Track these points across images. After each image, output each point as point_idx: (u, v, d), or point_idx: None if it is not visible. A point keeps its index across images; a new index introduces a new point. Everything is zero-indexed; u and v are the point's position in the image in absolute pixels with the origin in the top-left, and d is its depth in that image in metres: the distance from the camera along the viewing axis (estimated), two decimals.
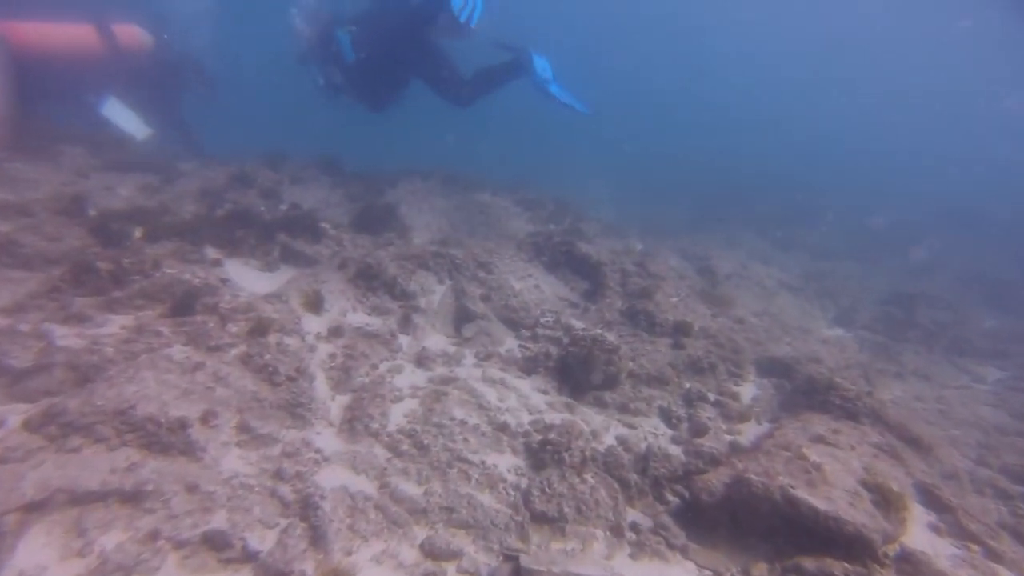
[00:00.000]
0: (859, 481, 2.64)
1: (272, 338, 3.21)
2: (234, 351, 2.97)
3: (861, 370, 4.65)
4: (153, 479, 1.96)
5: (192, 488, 2.09)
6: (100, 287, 3.20)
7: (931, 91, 36.27)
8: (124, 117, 6.50)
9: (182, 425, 2.27)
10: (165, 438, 2.20)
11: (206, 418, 2.46)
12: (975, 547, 2.83)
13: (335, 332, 3.79)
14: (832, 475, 2.63)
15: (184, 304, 3.10)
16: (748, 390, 4.17)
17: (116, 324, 2.90)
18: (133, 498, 1.85)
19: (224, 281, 3.73)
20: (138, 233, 4.02)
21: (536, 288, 4.83)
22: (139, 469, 1.99)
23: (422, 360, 3.84)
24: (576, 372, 3.87)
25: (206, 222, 4.42)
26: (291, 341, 3.31)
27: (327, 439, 2.90)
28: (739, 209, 12.07)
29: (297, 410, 2.94)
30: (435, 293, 4.58)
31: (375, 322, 4.08)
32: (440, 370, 3.78)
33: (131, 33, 6.76)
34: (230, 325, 3.12)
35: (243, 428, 2.63)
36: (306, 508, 2.39)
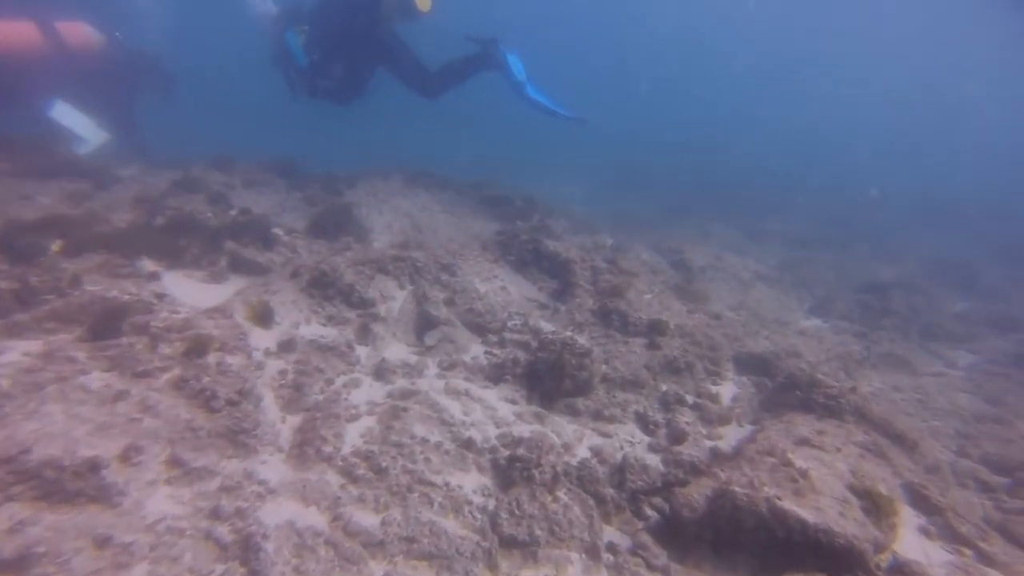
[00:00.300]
0: (848, 487, 2.48)
1: (212, 358, 2.93)
2: (166, 376, 2.68)
3: (840, 363, 4.53)
4: (47, 538, 1.68)
5: (103, 542, 1.81)
6: (2, 309, 2.86)
7: (911, 81, 36.86)
8: (75, 121, 6.11)
9: (93, 467, 1.99)
10: (70, 485, 1.91)
11: (127, 455, 2.18)
12: (967, 551, 2.69)
13: (286, 346, 3.51)
14: (820, 482, 2.46)
15: (106, 325, 2.78)
16: (727, 389, 4.00)
17: (17, 351, 2.57)
18: (15, 566, 1.57)
19: (160, 296, 3.42)
20: (55, 246, 3.67)
21: (503, 290, 4.60)
22: (27, 528, 1.70)
23: (381, 372, 3.59)
24: (546, 379, 3.65)
25: (143, 231, 4.09)
26: (234, 360, 3.03)
27: (274, 468, 2.63)
28: (714, 201, 12.01)
29: (239, 437, 2.66)
30: (395, 299, 4.33)
31: (330, 333, 3.81)
32: (400, 382, 3.53)
33: (78, 31, 6.33)
34: (162, 346, 2.83)
35: (174, 462, 2.35)
36: (247, 551, 2.13)
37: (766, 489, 2.39)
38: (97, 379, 2.46)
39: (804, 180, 15.38)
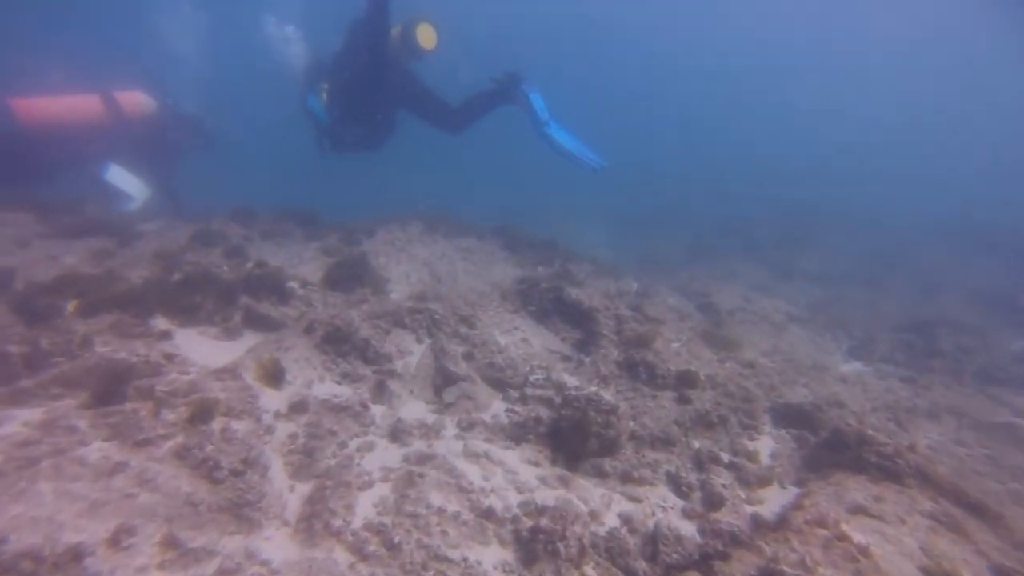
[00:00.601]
0: (921, 569, 2.19)
1: (217, 424, 2.79)
2: (168, 444, 2.54)
3: (890, 413, 4.20)
4: None
5: None
6: (9, 375, 2.78)
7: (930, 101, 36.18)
8: (126, 182, 6.64)
9: (76, 556, 1.83)
10: None
11: (117, 537, 2.02)
12: None
13: (297, 408, 3.37)
14: (885, 562, 2.18)
15: (111, 389, 2.68)
16: (765, 445, 3.72)
17: (17, 421, 2.47)
18: None
19: (171, 357, 3.32)
20: (71, 307, 3.62)
21: (524, 342, 4.42)
22: None
23: (397, 434, 3.41)
24: (570, 438, 3.43)
25: (158, 288, 4.03)
26: (241, 425, 2.88)
27: (278, 545, 2.44)
28: (738, 238, 11.76)
29: (243, 511, 2.49)
30: (413, 354, 4.17)
31: (344, 392, 3.66)
32: (417, 445, 3.35)
33: (135, 100, 6.90)
34: (166, 412, 2.70)
35: (169, 543, 2.18)
36: None
37: (821, 571, 2.12)
38: (96, 450, 2.33)
39: (824, 211, 15.00)
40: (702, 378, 4.01)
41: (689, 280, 7.57)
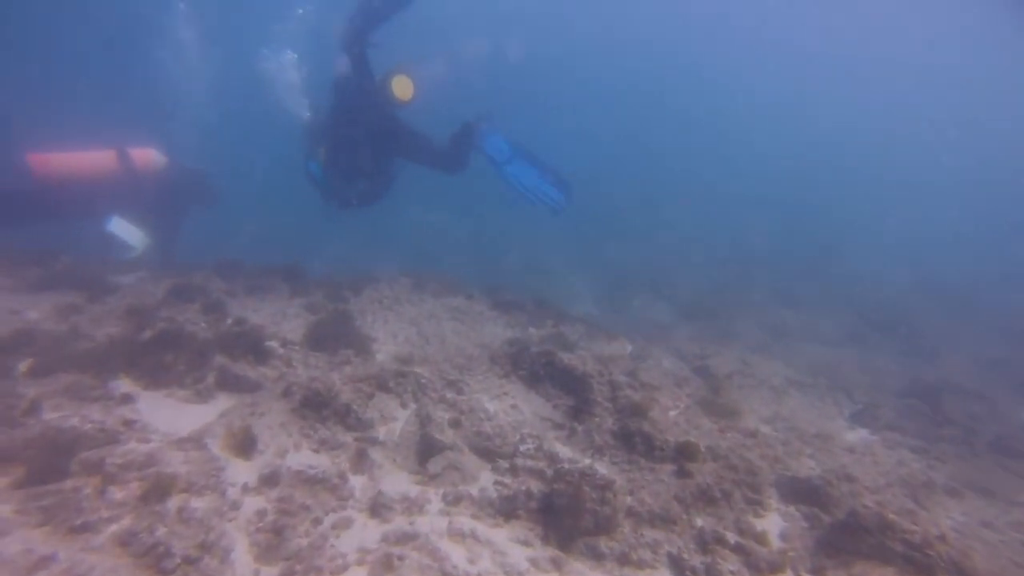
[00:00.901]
0: None
1: (174, 502, 2.51)
2: (111, 529, 2.26)
3: (906, 488, 3.94)
4: None
5: None
6: None
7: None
8: (128, 233, 6.85)
9: None
10: None
11: None
12: None
13: (268, 480, 3.09)
14: None
15: (51, 464, 2.40)
16: (774, 523, 3.46)
17: None
18: None
19: (130, 423, 3.06)
20: (23, 367, 3.36)
21: (514, 408, 4.19)
22: None
23: (377, 508, 3.13)
24: (564, 515, 3.16)
25: (124, 347, 3.79)
26: (202, 503, 2.60)
27: None
28: (728, 292, 11.62)
29: None
30: (397, 420, 3.92)
31: (322, 462, 3.38)
32: (398, 521, 3.06)
33: (146, 156, 7.19)
34: (114, 490, 2.42)
35: None
36: None
37: None
38: (17, 541, 2.04)
39: (820, 260, 14.93)
40: (702, 449, 3.77)
41: (684, 342, 7.39)
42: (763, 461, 3.98)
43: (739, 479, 3.72)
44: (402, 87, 6.55)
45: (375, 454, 3.58)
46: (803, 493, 3.72)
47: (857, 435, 5.17)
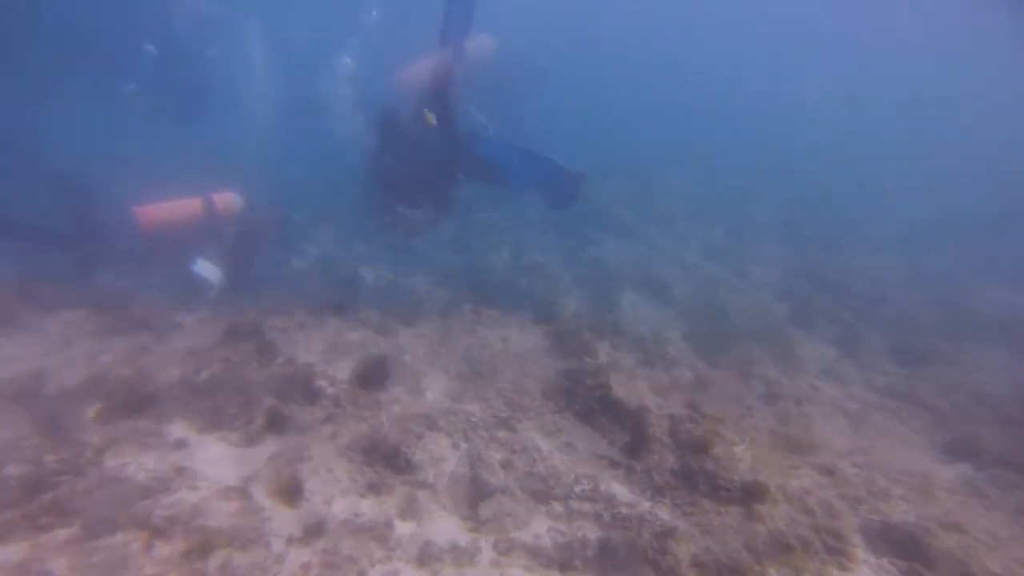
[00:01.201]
0: None
1: (216, 558, 2.47)
2: None
3: None
4: None
5: None
6: (4, 502, 2.55)
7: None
8: (210, 273, 7.35)
9: None
10: None
11: None
12: None
13: (314, 530, 3.02)
14: None
15: (105, 518, 2.41)
16: None
17: None
18: None
19: (181, 471, 3.07)
20: (92, 413, 3.45)
21: (568, 446, 4.00)
22: None
23: (425, 559, 3.02)
24: (623, 564, 2.95)
25: (181, 390, 3.85)
26: (244, 558, 2.55)
27: None
28: (788, 303, 10.87)
29: None
30: (447, 461, 3.80)
31: (368, 509, 3.29)
32: (447, 573, 2.94)
33: (228, 200, 7.72)
34: (159, 545, 2.40)
35: None
36: None
37: None
38: None
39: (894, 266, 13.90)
40: (773, 490, 3.48)
41: (746, 364, 6.95)
42: (845, 503, 3.65)
43: (817, 524, 3.41)
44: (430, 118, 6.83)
45: (424, 498, 3.47)
46: (897, 543, 3.36)
47: (956, 471, 4.63)
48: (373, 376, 4.66)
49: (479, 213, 11.35)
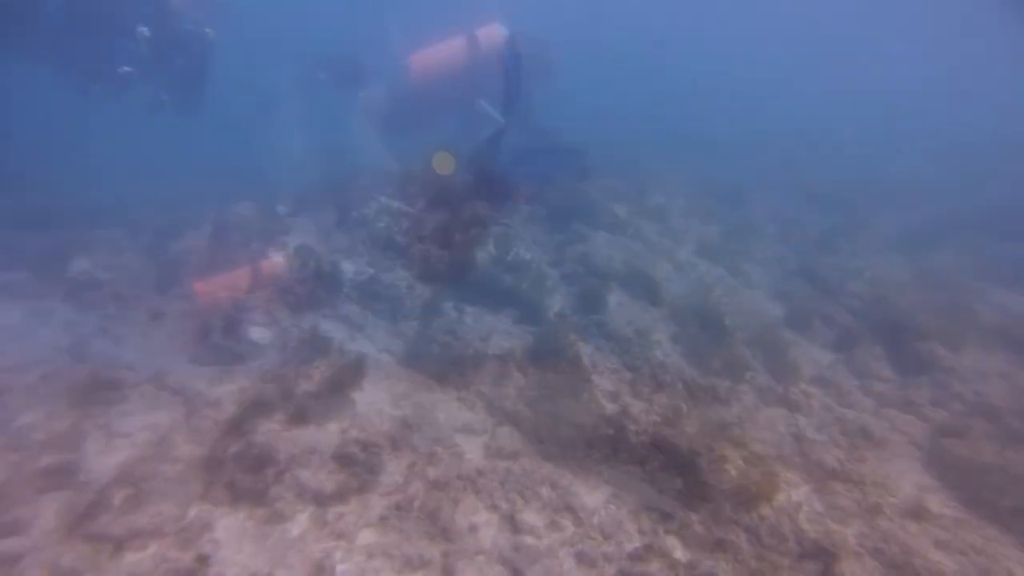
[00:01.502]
0: None
1: None
2: None
3: None
4: None
5: None
6: None
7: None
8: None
9: None
10: None
11: None
12: None
13: None
14: None
15: None
16: None
17: None
18: None
19: (205, 559, 2.90)
20: (117, 499, 3.33)
21: (615, 498, 3.73)
22: None
23: None
24: None
25: (211, 465, 3.75)
26: None
27: None
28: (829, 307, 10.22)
29: None
30: (489, 527, 3.56)
31: None
32: None
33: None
34: None
35: None
36: None
37: None
38: None
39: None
40: (850, 542, 3.14)
41: (790, 382, 6.48)
42: (944, 554, 3.27)
43: None
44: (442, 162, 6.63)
45: (463, 569, 3.23)
46: None
47: None
48: (407, 438, 4.49)
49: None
